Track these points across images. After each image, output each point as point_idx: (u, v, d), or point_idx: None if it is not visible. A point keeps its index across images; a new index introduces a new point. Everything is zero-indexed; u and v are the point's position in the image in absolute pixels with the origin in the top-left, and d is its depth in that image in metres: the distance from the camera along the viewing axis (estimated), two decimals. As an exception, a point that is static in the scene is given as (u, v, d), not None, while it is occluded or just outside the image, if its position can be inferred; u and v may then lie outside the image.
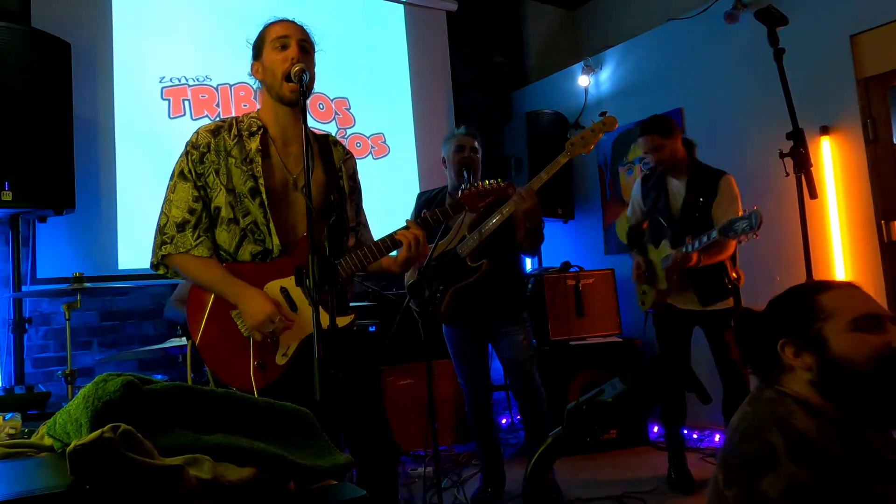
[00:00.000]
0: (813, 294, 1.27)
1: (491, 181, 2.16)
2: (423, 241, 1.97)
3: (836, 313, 1.23)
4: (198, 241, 1.89)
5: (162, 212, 1.93)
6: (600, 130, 2.78)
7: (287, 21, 1.98)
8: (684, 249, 2.99)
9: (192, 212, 1.90)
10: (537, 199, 2.80)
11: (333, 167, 2.06)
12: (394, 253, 2.02)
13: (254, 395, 1.74)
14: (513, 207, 2.81)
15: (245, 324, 1.84)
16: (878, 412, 1.20)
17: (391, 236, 1.98)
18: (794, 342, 1.26)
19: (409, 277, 3.07)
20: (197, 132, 1.96)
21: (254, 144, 1.93)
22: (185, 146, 1.95)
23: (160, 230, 1.92)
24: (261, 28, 2.00)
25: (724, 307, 3.08)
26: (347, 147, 2.19)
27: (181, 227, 1.89)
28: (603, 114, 2.96)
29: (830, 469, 1.12)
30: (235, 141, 1.93)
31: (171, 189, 1.93)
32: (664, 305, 3.24)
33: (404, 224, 2.01)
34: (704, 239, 2.90)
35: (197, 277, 1.91)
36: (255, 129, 1.96)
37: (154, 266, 1.95)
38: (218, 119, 2.02)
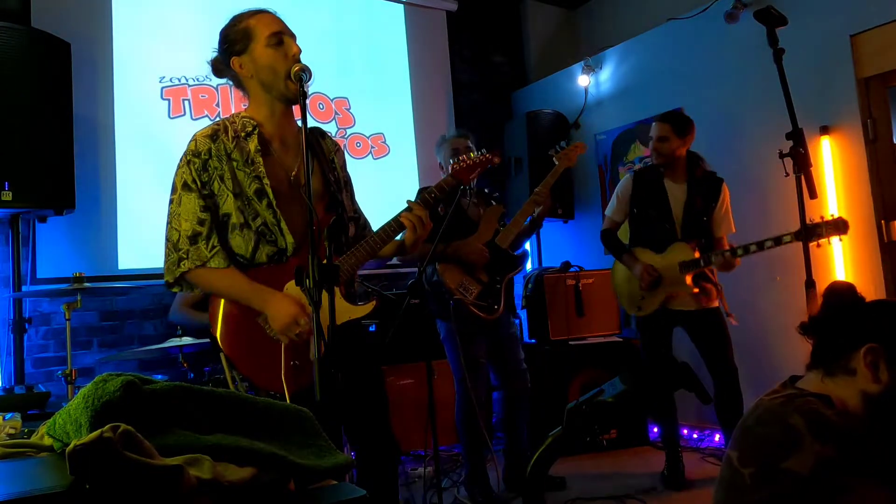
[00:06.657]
0: None
1: (475, 154, 2.21)
2: (427, 221, 2.00)
3: None
4: (213, 251, 1.84)
5: (171, 227, 1.87)
6: (575, 151, 3.27)
7: (274, 14, 1.94)
8: (731, 254, 3.02)
9: (201, 222, 1.85)
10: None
11: (327, 159, 2.05)
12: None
13: (286, 398, 1.75)
14: (533, 207, 3.20)
15: (273, 328, 1.83)
16: None
17: (396, 219, 1.99)
18: (882, 353, 1.19)
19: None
20: (195, 139, 1.89)
21: (252, 145, 1.89)
22: (185, 155, 1.88)
23: (174, 246, 1.85)
24: (232, 18, 1.92)
25: (712, 306, 3.21)
26: (336, 141, 2.18)
27: (193, 239, 1.84)
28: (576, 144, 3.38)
29: (852, 445, 1.14)
30: (234, 143, 1.89)
31: (177, 202, 1.86)
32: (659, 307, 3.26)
33: (406, 207, 2.01)
34: (753, 248, 2.93)
35: (219, 289, 1.87)
36: (249, 128, 1.92)
37: (169, 285, 1.88)
38: (217, 119, 1.99)
